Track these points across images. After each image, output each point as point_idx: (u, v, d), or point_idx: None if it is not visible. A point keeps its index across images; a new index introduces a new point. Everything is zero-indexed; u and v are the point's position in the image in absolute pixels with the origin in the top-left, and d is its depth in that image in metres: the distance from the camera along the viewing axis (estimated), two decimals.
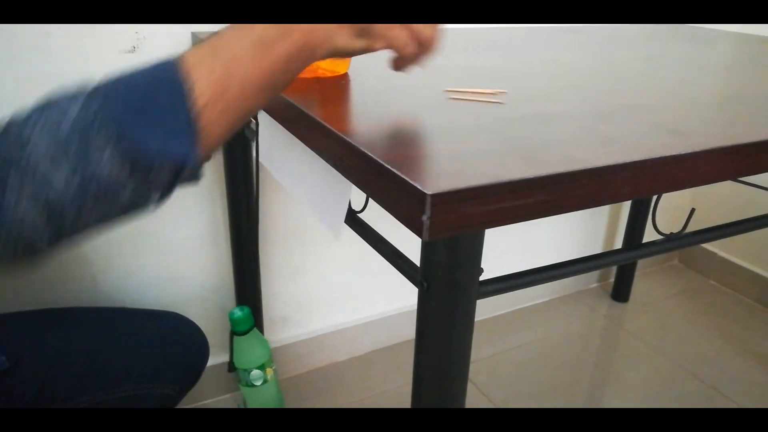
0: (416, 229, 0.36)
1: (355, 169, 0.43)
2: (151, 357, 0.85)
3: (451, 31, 1.05)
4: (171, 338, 0.89)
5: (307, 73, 0.62)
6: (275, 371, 0.77)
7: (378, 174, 0.39)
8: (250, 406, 0.80)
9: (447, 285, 0.45)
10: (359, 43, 0.48)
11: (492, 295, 0.49)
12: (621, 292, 1.65)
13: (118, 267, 1.04)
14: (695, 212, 0.64)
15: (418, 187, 0.35)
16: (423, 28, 0.49)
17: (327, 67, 0.63)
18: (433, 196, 0.34)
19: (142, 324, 0.88)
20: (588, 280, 1.71)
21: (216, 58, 0.40)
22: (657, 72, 0.77)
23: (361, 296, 1.36)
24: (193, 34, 0.92)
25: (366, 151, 0.40)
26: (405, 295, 1.41)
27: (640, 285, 1.69)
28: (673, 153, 0.43)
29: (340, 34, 0.46)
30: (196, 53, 0.40)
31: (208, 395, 1.22)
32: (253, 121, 0.75)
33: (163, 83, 0.39)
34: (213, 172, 1.05)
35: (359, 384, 1.30)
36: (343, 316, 1.35)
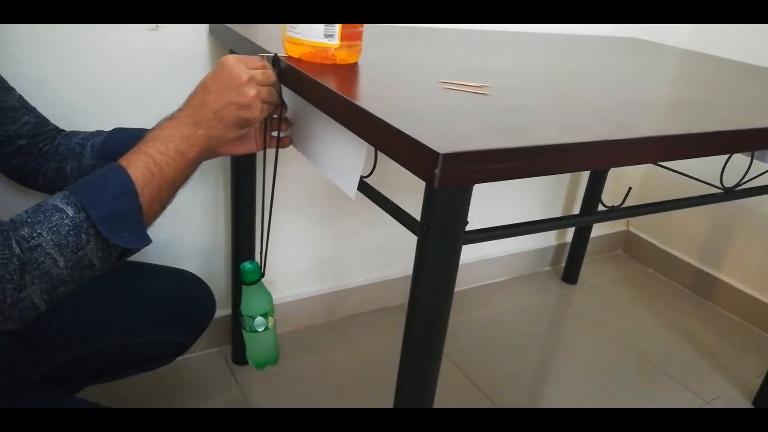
0: (429, 180, 0.49)
1: (378, 137, 0.56)
2: (167, 308, 0.96)
3: (439, 32, 1.19)
4: (183, 292, 1.00)
5: (327, 60, 0.75)
6: (275, 321, 0.89)
7: (400, 140, 0.52)
8: (249, 351, 0.91)
9: (441, 231, 0.59)
10: (244, 131, 0.72)
11: (475, 243, 0.63)
12: (570, 275, 1.84)
13: None
14: (632, 192, 0.80)
15: (433, 149, 0.48)
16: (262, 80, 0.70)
17: (343, 57, 0.76)
18: (445, 155, 0.48)
19: (158, 278, 0.99)
20: (542, 263, 1.89)
21: (153, 176, 0.64)
22: (609, 78, 0.93)
23: (341, 266, 1.50)
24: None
25: (392, 123, 0.53)
26: (380, 267, 1.55)
27: (587, 270, 1.87)
28: (614, 138, 0.58)
29: (229, 133, 0.70)
30: (143, 174, 0.63)
31: (197, 348, 1.33)
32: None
33: (125, 202, 0.62)
34: None
35: (335, 345, 1.44)
36: (323, 283, 1.49)
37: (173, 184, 0.67)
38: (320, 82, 0.65)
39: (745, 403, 1.40)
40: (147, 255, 1.20)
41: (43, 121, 0.83)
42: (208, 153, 0.70)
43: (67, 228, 0.57)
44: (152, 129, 0.69)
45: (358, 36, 0.77)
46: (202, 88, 0.69)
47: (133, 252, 0.64)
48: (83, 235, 0.58)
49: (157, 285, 0.98)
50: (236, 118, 0.69)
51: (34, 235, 0.56)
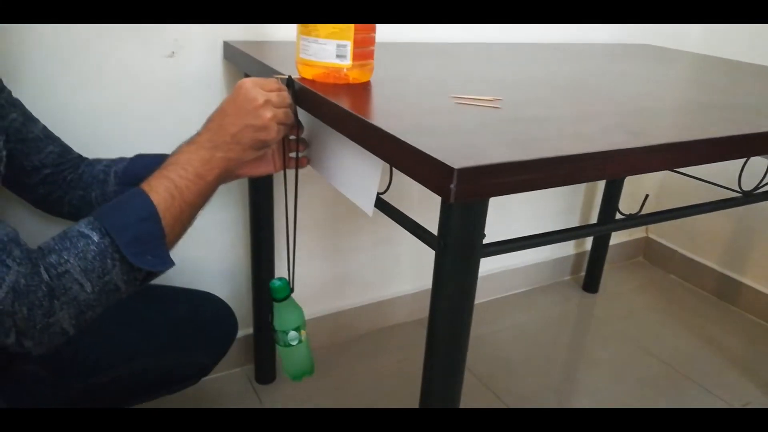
0: (445, 195, 0.50)
1: (393, 153, 0.57)
2: (190, 330, 0.97)
3: (449, 47, 1.21)
4: (205, 314, 1.02)
5: (340, 80, 0.76)
6: (308, 335, 0.90)
7: (415, 156, 0.53)
8: (285, 364, 0.91)
9: (459, 245, 0.60)
10: (261, 152, 0.73)
11: (492, 255, 0.63)
12: (591, 284, 1.82)
13: None
14: (650, 199, 0.79)
15: (448, 164, 0.49)
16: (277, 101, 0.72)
17: (355, 76, 0.77)
18: (459, 170, 0.48)
19: (180, 300, 1.00)
20: (562, 273, 1.87)
21: (174, 200, 0.66)
22: (621, 85, 0.93)
23: (360, 283, 1.50)
24: (225, 44, 1.06)
25: (406, 140, 0.54)
26: (398, 282, 1.56)
27: (608, 278, 1.86)
28: (630, 147, 0.58)
29: (247, 155, 0.71)
30: (164, 198, 0.65)
31: (221, 368, 1.34)
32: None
33: (148, 226, 0.64)
34: None
35: (357, 362, 1.44)
36: (343, 300, 1.49)
37: (194, 207, 0.68)
38: (334, 102, 0.66)
39: None
40: (169, 278, 1.23)
41: (66, 149, 0.85)
42: (226, 175, 0.72)
43: (93, 254, 0.59)
44: (172, 154, 0.71)
45: (370, 55, 0.78)
46: (220, 112, 0.71)
47: (157, 275, 0.66)
48: (109, 260, 0.60)
49: (179, 307, 0.99)
50: (253, 140, 0.70)
51: (62, 261, 0.57)
